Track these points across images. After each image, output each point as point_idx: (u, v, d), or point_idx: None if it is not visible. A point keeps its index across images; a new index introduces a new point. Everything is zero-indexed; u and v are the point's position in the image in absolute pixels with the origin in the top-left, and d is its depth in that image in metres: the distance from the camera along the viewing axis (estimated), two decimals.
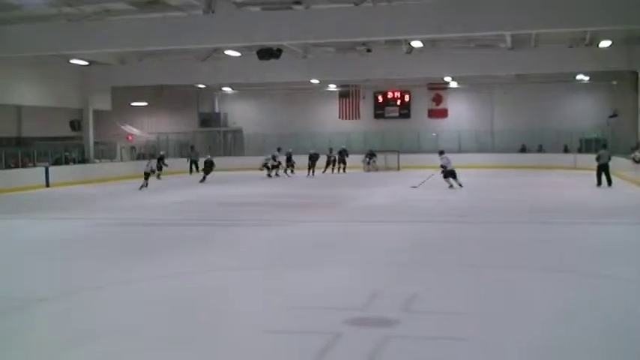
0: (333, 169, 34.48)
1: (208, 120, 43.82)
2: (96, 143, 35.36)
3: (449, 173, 23.81)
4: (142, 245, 12.67)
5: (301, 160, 33.20)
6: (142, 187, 25.33)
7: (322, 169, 34.01)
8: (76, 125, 35.58)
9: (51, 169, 28.11)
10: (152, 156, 31.14)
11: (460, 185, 23.38)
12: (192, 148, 37.76)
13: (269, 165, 32.03)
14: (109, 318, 7.50)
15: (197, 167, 33.64)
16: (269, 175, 31.63)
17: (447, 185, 23.45)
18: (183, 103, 43.19)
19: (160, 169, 30.79)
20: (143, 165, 29.58)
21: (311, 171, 32.89)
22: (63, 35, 22.52)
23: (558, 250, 11.26)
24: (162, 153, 32.98)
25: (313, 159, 33.37)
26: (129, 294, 8.72)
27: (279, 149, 33.76)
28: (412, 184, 24.09)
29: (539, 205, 18.77)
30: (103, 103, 35.66)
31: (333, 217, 16.67)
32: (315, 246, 12.14)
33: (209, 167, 29.50)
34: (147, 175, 25.83)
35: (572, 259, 10.50)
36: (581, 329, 6.83)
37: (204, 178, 28.94)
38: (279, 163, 32.85)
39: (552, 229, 14.00)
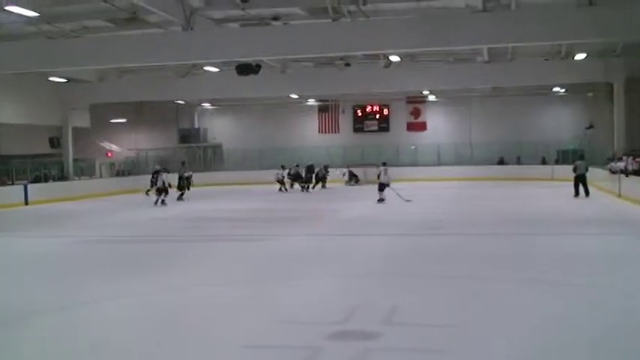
0: (322, 185, 34.31)
1: (188, 136, 43.71)
2: (75, 160, 35.24)
3: (380, 185, 23.91)
4: (125, 262, 12.61)
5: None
6: (162, 202, 24.95)
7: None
8: (55, 142, 35.42)
9: (30, 186, 27.87)
10: (156, 172, 30.72)
11: (381, 200, 23.56)
12: (183, 163, 37.46)
13: (280, 179, 32.05)
14: (94, 334, 7.45)
15: (182, 184, 32.84)
16: (283, 190, 31.69)
17: (377, 198, 23.66)
18: (163, 119, 43.13)
19: (154, 184, 30.29)
20: (122, 182, 29.64)
21: (308, 185, 32.60)
22: (42, 53, 22.44)
23: (538, 261, 11.34)
24: (157, 167, 32.51)
25: (311, 171, 33.30)
26: (112, 311, 8.69)
27: (297, 165, 33.79)
28: (408, 198, 24.11)
29: (518, 216, 18.91)
30: (82, 120, 35.62)
31: (313, 230, 16.70)
32: (295, 260, 12.13)
33: (188, 183, 28.71)
34: (160, 191, 25.23)
35: (552, 270, 10.53)
36: (563, 340, 6.85)
37: (181, 194, 27.78)
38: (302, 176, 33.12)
39: (531, 241, 14.07)
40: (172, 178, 27.04)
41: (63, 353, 6.89)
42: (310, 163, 33.95)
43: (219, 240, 15.51)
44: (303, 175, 33.20)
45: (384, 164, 25.06)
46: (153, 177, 30.09)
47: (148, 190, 30.25)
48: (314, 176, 33.68)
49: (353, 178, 36.20)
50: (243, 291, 9.62)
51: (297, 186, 33.06)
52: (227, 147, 43.20)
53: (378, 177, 24.31)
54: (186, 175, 29.16)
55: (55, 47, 22.55)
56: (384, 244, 14.03)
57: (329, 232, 16.38)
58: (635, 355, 6.54)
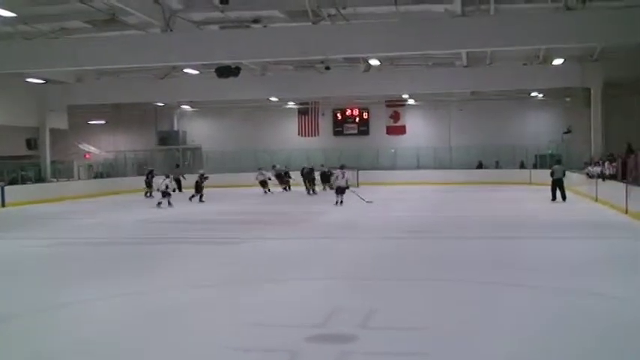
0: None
1: (167, 138, 43.70)
2: (53, 162, 35.06)
3: (338, 189, 24.11)
4: (108, 264, 12.52)
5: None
6: (169, 203, 24.71)
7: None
8: (32, 144, 35.10)
9: (6, 188, 27.58)
10: (150, 172, 30.89)
11: (338, 203, 23.69)
12: (177, 166, 37.42)
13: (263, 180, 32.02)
14: (66, 337, 7.39)
15: (180, 186, 32.57)
16: (267, 192, 31.57)
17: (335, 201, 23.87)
18: (142, 121, 43.16)
19: (149, 185, 30.42)
20: (101, 184, 29.47)
21: (313, 188, 31.86)
22: (19, 54, 22.32)
23: (519, 265, 11.39)
24: (150, 169, 32.35)
25: (311, 174, 32.63)
26: (99, 311, 8.67)
27: (274, 167, 34.14)
28: (369, 199, 24.28)
29: (498, 220, 19.04)
30: (60, 121, 35.38)
31: (293, 234, 16.67)
32: (275, 263, 12.11)
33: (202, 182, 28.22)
34: (165, 195, 24.91)
35: (533, 273, 10.55)
36: (546, 344, 6.86)
37: (200, 196, 27.40)
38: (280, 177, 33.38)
39: (510, 244, 14.12)
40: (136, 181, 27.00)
41: (46, 352, 6.85)
42: (310, 166, 33.46)
43: (201, 242, 15.42)
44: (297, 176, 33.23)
45: (341, 167, 25.34)
46: (147, 177, 30.39)
47: (147, 192, 30.31)
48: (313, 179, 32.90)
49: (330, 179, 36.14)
50: (220, 294, 9.59)
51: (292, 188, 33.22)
52: (206, 149, 43.15)
53: (313, 181, 24.55)
54: (199, 173, 29.04)
55: (32, 48, 22.39)
56: (363, 248, 14.04)
57: (312, 235, 16.38)
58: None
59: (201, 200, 27.16)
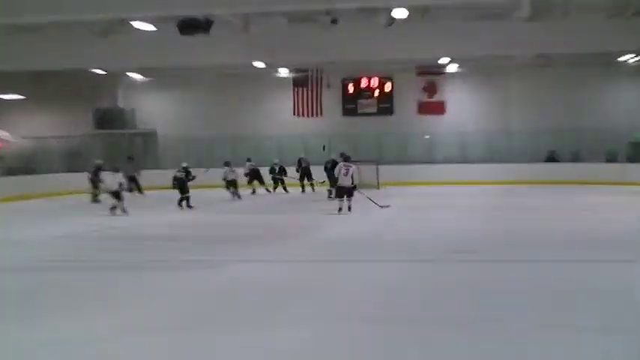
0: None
1: (108, 119, 44.12)
2: None
3: (340, 190, 24.40)
4: (23, 298, 12.54)
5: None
6: (114, 208, 25.13)
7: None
8: None
9: None
10: (99, 168, 30.59)
11: (344, 210, 24.05)
12: (129, 158, 37.48)
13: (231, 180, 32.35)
14: None
15: (138, 186, 33.39)
16: (235, 195, 32.03)
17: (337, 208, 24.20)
18: (74, 95, 43.46)
19: (95, 186, 30.44)
20: (15, 183, 29.64)
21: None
22: None
23: (599, 301, 11.31)
24: (99, 162, 32.51)
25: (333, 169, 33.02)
26: None
27: (249, 160, 35.11)
28: (385, 204, 24.74)
29: (570, 237, 18.75)
30: None
31: (279, 255, 16.65)
32: (254, 298, 12.12)
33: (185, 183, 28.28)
34: (117, 195, 25.25)
35: (618, 313, 10.47)
36: None
37: (187, 199, 27.82)
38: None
39: (586, 270, 13.97)
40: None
41: None
42: (331, 158, 33.46)
43: (156, 268, 15.35)
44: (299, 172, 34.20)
45: (346, 160, 25.06)
46: (95, 175, 30.48)
47: (95, 195, 30.43)
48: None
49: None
50: (184, 341, 9.55)
51: (261, 190, 34.16)
52: (163, 135, 43.73)
53: (336, 179, 24.79)
54: (183, 166, 29.15)
55: None
56: (379, 276, 13.98)
57: (307, 257, 16.38)
58: None
59: (188, 205, 27.53)
